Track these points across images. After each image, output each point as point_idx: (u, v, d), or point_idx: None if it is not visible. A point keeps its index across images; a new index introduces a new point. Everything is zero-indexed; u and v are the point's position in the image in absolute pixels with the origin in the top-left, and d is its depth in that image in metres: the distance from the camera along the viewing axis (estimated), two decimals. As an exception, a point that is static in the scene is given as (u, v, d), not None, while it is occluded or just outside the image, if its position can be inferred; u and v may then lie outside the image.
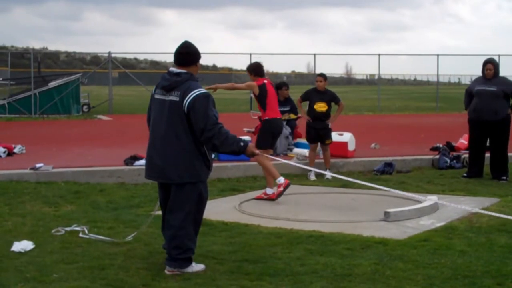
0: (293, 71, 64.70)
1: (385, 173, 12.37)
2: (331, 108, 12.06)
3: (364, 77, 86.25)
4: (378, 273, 6.14)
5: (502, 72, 12.70)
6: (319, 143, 12.13)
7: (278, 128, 10.16)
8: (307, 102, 12.18)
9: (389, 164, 12.59)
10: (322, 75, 12.39)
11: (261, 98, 9.88)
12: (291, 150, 13.61)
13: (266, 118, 9.96)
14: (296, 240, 7.29)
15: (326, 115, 11.99)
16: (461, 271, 6.19)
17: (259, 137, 10.10)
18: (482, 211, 7.81)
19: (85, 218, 8.40)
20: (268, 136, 10.01)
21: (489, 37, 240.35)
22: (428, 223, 8.26)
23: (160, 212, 6.58)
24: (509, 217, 7.21)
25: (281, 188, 9.60)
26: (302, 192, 10.53)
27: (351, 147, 13.29)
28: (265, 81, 9.94)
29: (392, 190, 8.19)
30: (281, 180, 9.61)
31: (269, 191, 9.76)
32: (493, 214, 7.42)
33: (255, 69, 10.08)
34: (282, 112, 13.89)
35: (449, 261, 6.49)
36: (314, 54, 33.38)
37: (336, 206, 9.43)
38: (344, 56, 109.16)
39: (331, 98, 12.11)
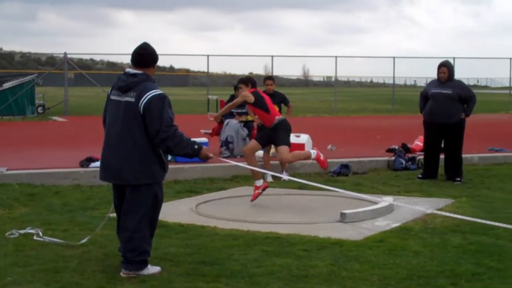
0: (251, 73, 64.83)
1: (342, 174, 12.44)
2: (281, 110, 12.11)
3: (321, 79, 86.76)
4: (334, 274, 6.17)
5: (457, 75, 12.85)
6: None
7: (289, 125, 10.06)
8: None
9: (345, 166, 12.67)
10: (271, 77, 12.51)
11: (260, 103, 9.78)
12: (248, 151, 13.58)
13: (277, 118, 9.80)
14: (253, 242, 7.29)
15: (278, 117, 12.03)
16: (416, 271, 6.26)
17: (285, 136, 9.84)
18: (438, 212, 7.90)
19: (39, 220, 8.29)
20: (289, 133, 9.93)
21: (444, 40, 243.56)
22: (384, 224, 8.33)
23: (115, 214, 6.52)
24: (463, 217, 7.31)
25: (259, 191, 9.60)
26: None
27: (308, 148, 13.32)
28: (256, 89, 9.93)
29: (347, 192, 8.24)
30: (260, 182, 9.62)
31: (258, 182, 9.67)
32: (448, 214, 7.51)
33: (251, 81, 10.04)
34: (240, 114, 13.93)
35: (404, 262, 6.55)
36: (272, 56, 33.54)
37: (293, 208, 9.46)
38: (302, 58, 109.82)
39: (280, 100, 12.20)
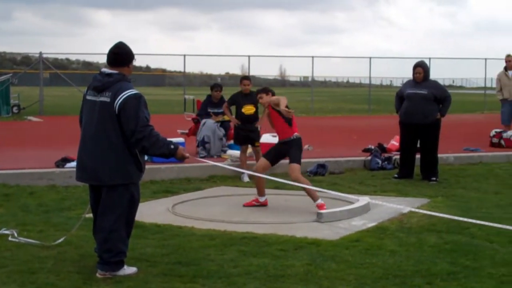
0: (227, 73, 64.76)
1: (318, 174, 12.47)
2: (258, 110, 12.12)
3: (298, 79, 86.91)
4: (311, 273, 6.19)
5: (433, 75, 12.93)
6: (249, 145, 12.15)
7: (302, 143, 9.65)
8: (234, 106, 12.25)
9: (322, 166, 12.70)
10: (248, 77, 12.50)
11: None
12: (225, 151, 13.60)
13: (295, 135, 9.36)
14: (230, 242, 7.29)
15: (255, 117, 12.04)
16: (392, 270, 6.29)
17: (299, 154, 9.38)
18: (416, 210, 7.95)
19: (14, 221, 8.23)
20: (301, 152, 9.50)
21: (420, 40, 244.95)
22: (360, 223, 8.36)
23: (91, 215, 6.49)
24: (443, 215, 7.35)
25: (256, 203, 9.57)
26: (235, 194, 10.53)
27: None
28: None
29: (325, 190, 8.26)
30: (263, 199, 9.60)
31: (262, 198, 9.61)
32: (426, 212, 7.57)
33: (271, 90, 9.81)
34: (216, 114, 13.91)
35: (380, 261, 6.59)
36: (249, 56, 33.49)
37: (270, 208, 9.47)
38: (278, 58, 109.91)
39: (257, 100, 12.16)
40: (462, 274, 6.20)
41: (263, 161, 9.53)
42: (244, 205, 9.55)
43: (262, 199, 9.58)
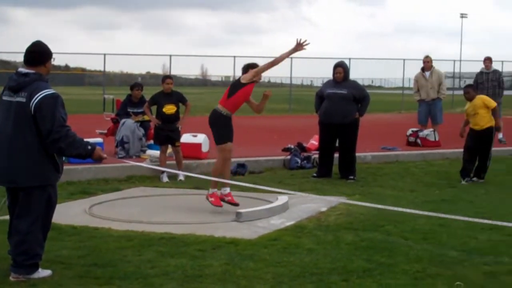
0: (148, 72, 64.19)
1: (238, 174, 12.48)
2: (179, 109, 12.07)
3: (220, 79, 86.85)
4: (229, 273, 6.19)
5: (353, 75, 13.12)
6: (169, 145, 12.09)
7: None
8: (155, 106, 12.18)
9: (242, 165, 12.73)
10: (170, 77, 12.45)
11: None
12: (144, 151, 13.48)
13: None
14: (148, 243, 7.23)
15: (175, 116, 11.99)
16: (309, 268, 6.35)
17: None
18: (352, 202, 8.05)
19: None
20: None
21: (341, 40, 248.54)
22: (278, 222, 8.41)
23: (6, 217, 6.33)
24: (384, 207, 7.47)
25: (212, 199, 9.14)
26: (155, 194, 10.45)
27: (204, 148, 13.34)
28: None
29: (246, 184, 8.27)
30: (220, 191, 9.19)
31: (225, 190, 9.21)
32: (356, 203, 7.67)
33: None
34: (136, 114, 13.78)
35: (298, 259, 6.64)
36: (170, 55, 33.32)
37: (189, 208, 9.42)
38: (200, 57, 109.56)
39: (178, 99, 12.14)
40: (377, 270, 6.31)
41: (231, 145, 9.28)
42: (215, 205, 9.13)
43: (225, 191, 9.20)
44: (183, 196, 10.36)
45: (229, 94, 9.18)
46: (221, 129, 9.17)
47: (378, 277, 6.14)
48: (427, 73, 17.04)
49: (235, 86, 9.25)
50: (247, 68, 9.34)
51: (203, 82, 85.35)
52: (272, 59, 9.24)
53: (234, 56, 34.47)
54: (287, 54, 9.15)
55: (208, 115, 9.29)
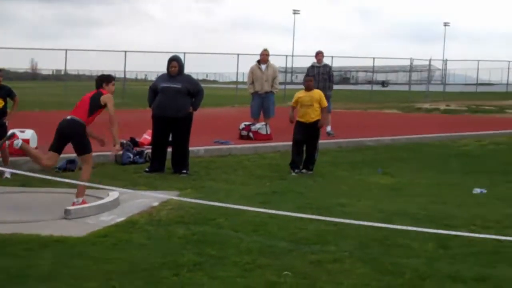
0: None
1: (68, 170, 12.17)
2: (7, 103, 11.60)
3: (51, 72, 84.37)
4: (56, 272, 6.01)
5: (188, 70, 13.11)
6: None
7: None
8: None
9: (71, 161, 12.40)
10: (1, 70, 11.95)
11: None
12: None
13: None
14: (-31, 244, 6.89)
15: (3, 111, 11.52)
16: (139, 264, 6.29)
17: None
18: (184, 199, 8.01)
19: None
20: None
21: (176, 35, 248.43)
22: (109, 219, 8.27)
23: None
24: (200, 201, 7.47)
25: None
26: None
27: (32, 144, 12.92)
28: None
29: (76, 181, 8.05)
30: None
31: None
32: (185, 199, 7.65)
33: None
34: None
35: (128, 255, 6.56)
36: (-4, 48, 32.05)
37: (15, 206, 9.06)
38: (29, 50, 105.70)
39: (7, 93, 11.67)
40: (208, 263, 6.34)
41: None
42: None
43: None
44: (8, 194, 9.93)
45: (90, 111, 9.48)
46: (84, 138, 9.35)
47: (208, 270, 6.17)
48: (263, 66, 17.33)
49: (95, 105, 9.48)
50: (102, 81, 9.64)
51: (32, 75, 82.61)
52: (115, 123, 9.75)
53: (66, 49, 33.68)
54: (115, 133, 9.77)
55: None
